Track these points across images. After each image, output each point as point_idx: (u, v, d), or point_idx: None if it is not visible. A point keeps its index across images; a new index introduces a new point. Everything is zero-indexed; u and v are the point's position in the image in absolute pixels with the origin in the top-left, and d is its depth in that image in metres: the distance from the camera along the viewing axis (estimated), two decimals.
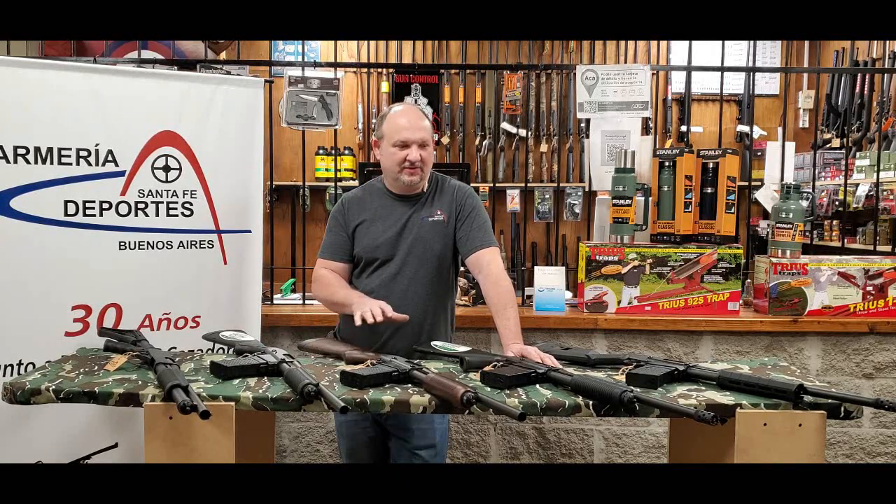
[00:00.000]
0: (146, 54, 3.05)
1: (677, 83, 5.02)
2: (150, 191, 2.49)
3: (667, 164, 2.85)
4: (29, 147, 2.29)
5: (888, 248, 3.44)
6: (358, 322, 1.99)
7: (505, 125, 4.93)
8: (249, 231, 2.68)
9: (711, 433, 1.68)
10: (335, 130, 2.95)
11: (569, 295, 2.97)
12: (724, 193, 2.79)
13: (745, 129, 4.96)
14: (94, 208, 2.39)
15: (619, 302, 2.79)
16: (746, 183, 3.31)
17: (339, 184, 3.45)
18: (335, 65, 3.11)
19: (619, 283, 2.79)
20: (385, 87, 4.99)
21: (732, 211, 2.81)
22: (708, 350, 2.81)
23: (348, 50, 5.07)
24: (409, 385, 1.77)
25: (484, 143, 4.98)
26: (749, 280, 3.01)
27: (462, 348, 2.06)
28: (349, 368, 1.82)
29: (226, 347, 2.21)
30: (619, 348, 2.78)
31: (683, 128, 4.70)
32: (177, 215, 2.53)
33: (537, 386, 1.78)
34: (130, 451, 2.43)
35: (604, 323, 2.77)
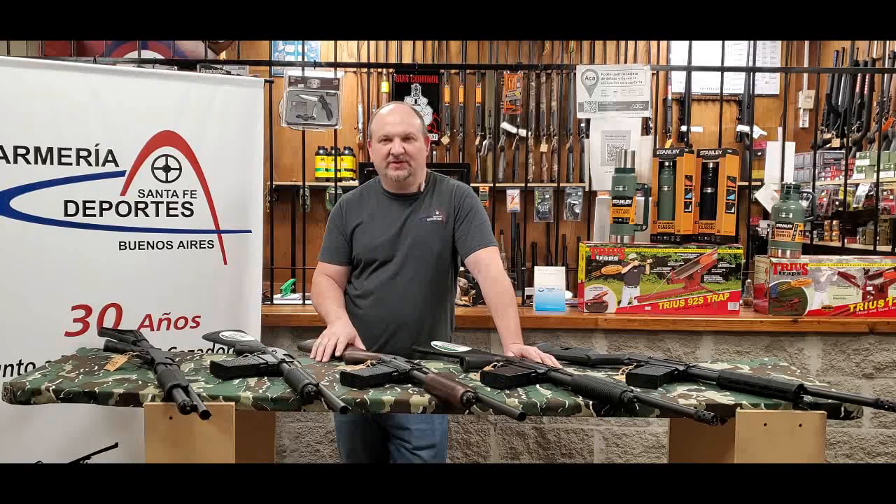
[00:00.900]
0: (146, 54, 3.05)
1: (677, 83, 5.02)
2: (150, 191, 2.49)
3: (667, 164, 2.85)
4: (29, 147, 2.29)
5: (888, 248, 3.44)
6: (311, 356, 2.05)
7: (505, 125, 4.93)
8: (249, 231, 2.68)
9: (711, 433, 1.68)
10: (335, 130, 2.95)
11: (569, 295, 2.97)
12: (724, 193, 2.79)
13: (745, 129, 4.96)
14: (94, 208, 2.39)
15: (619, 302, 2.79)
16: (746, 183, 3.31)
17: (339, 184, 3.45)
18: (335, 65, 3.11)
19: (619, 283, 2.79)
20: (385, 87, 4.99)
21: (732, 211, 2.81)
22: (708, 350, 2.81)
23: (348, 50, 5.07)
24: (409, 385, 1.77)
25: (484, 143, 4.98)
26: (749, 280, 3.01)
27: (462, 348, 2.06)
28: (349, 369, 1.82)
29: (226, 347, 2.21)
30: (619, 348, 2.78)
31: (683, 128, 4.69)
32: (177, 215, 2.53)
33: (537, 386, 1.78)
34: (130, 451, 2.43)
35: (604, 323, 2.77)
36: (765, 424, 1.62)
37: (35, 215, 2.30)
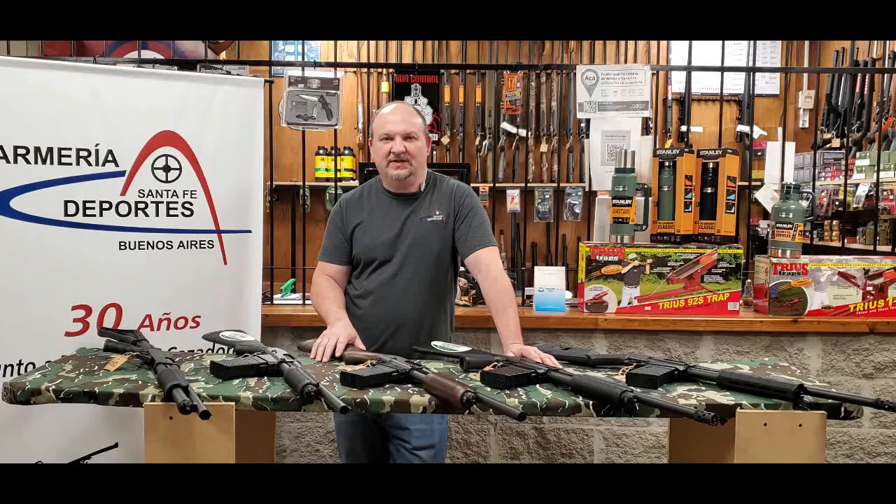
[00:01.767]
0: (146, 54, 3.05)
1: (677, 83, 5.02)
2: (150, 191, 2.49)
3: (667, 164, 2.85)
4: (29, 147, 2.29)
5: (888, 248, 3.44)
6: (311, 356, 2.05)
7: (505, 125, 4.93)
8: (249, 231, 2.68)
9: (711, 433, 1.68)
10: (335, 130, 2.95)
11: (569, 295, 2.97)
12: (724, 193, 2.79)
13: (745, 129, 4.96)
14: (94, 208, 2.39)
15: (619, 302, 2.79)
16: (746, 183, 3.31)
17: (339, 184, 3.45)
18: (335, 65, 3.11)
19: (619, 283, 2.79)
20: (385, 87, 4.99)
21: (732, 211, 2.81)
22: (708, 350, 2.81)
23: (348, 50, 5.07)
24: (409, 385, 1.77)
25: (484, 143, 4.98)
26: (749, 280, 3.01)
27: (462, 348, 2.06)
28: (349, 369, 1.82)
29: (226, 347, 2.21)
30: (619, 348, 2.78)
31: (683, 128, 4.69)
32: (177, 215, 2.53)
33: (537, 386, 1.78)
34: (130, 451, 2.43)
35: (604, 323, 2.77)
36: (765, 424, 1.62)
37: (35, 215, 2.30)
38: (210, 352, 2.43)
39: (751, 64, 4.02)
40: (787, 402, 1.64)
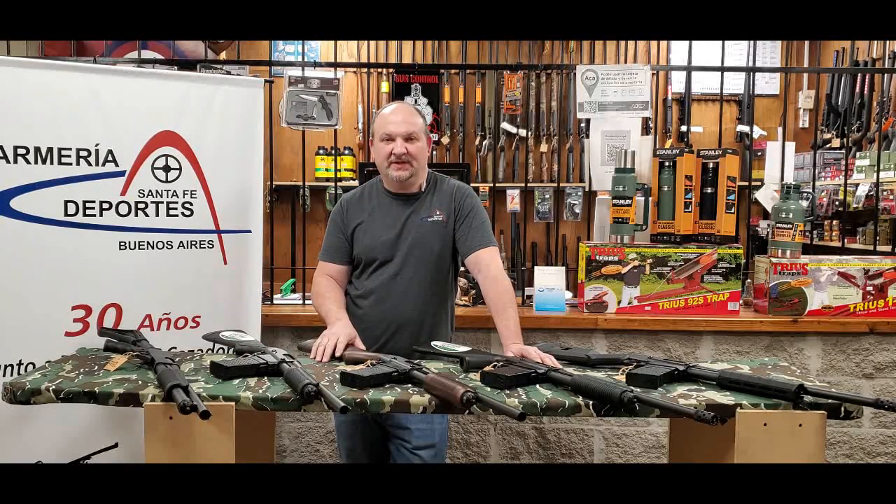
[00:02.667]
0: (146, 54, 3.05)
1: (677, 83, 5.02)
2: (150, 191, 2.49)
3: (667, 164, 2.85)
4: (29, 147, 2.29)
5: (888, 248, 3.44)
6: (311, 356, 2.05)
7: (505, 125, 4.93)
8: (249, 231, 2.68)
9: (711, 433, 1.68)
10: (335, 130, 2.95)
11: (569, 295, 2.97)
12: (724, 193, 2.79)
13: (745, 129, 4.96)
14: (94, 208, 2.39)
15: (619, 302, 2.79)
16: (746, 183, 3.31)
17: (339, 184, 3.45)
18: (335, 65, 3.11)
19: (619, 283, 2.79)
20: (385, 87, 5.00)
21: (732, 211, 2.81)
22: (708, 350, 2.81)
23: (348, 50, 5.07)
24: (409, 385, 1.77)
25: (484, 143, 4.98)
26: (749, 280, 3.01)
27: (462, 348, 2.06)
28: (349, 369, 1.82)
29: (226, 347, 2.21)
30: (619, 348, 2.78)
31: (683, 128, 4.70)
32: (177, 215, 2.53)
33: (537, 386, 1.78)
34: (130, 451, 2.43)
35: (604, 323, 2.77)
36: (765, 424, 1.62)
37: (35, 215, 2.30)
38: (210, 352, 2.43)
39: (751, 64, 4.02)
40: (787, 402, 1.64)
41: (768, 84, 5.23)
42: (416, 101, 4.76)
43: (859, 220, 4.23)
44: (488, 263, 2.19)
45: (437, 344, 2.11)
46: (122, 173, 2.43)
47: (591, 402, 1.66)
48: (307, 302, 2.94)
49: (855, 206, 3.94)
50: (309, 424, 2.88)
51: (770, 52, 5.28)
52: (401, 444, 2.22)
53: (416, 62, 4.97)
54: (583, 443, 2.85)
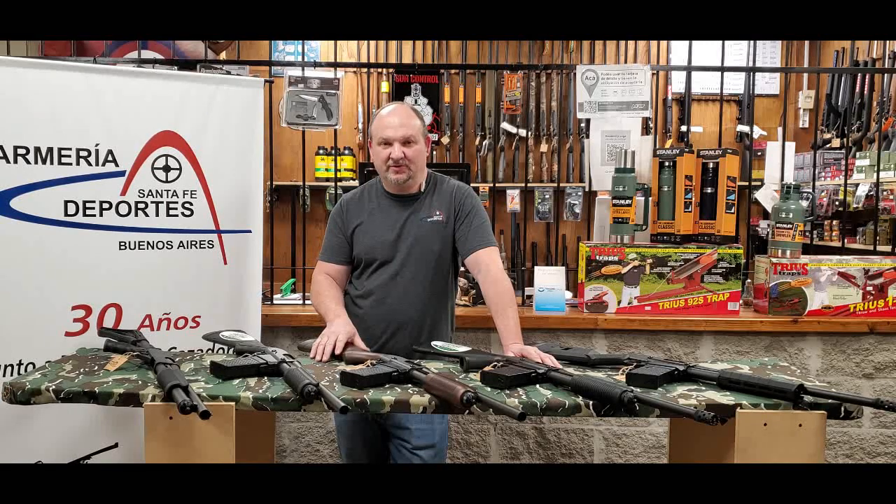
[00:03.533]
0: (146, 54, 3.05)
1: (677, 83, 5.02)
2: (150, 191, 2.49)
3: (667, 164, 2.85)
4: (29, 147, 2.29)
5: (888, 248, 3.44)
6: (311, 355, 2.05)
7: (505, 125, 4.93)
8: (249, 231, 2.68)
9: (711, 433, 1.68)
10: (335, 130, 2.95)
11: (569, 295, 2.97)
12: (724, 193, 2.79)
13: (745, 129, 4.96)
14: (94, 208, 2.39)
15: (619, 302, 2.79)
16: (746, 183, 3.31)
17: (339, 184, 3.45)
18: (335, 65, 3.11)
19: (619, 283, 2.79)
20: (385, 87, 5.00)
21: (732, 211, 2.81)
22: (708, 350, 2.81)
23: (348, 50, 5.07)
24: (409, 385, 1.77)
25: (484, 143, 4.98)
26: (749, 280, 3.01)
27: (462, 348, 2.06)
28: (349, 369, 1.82)
29: (226, 347, 2.21)
30: (619, 348, 2.78)
31: (683, 128, 4.70)
32: (177, 215, 2.53)
33: (537, 386, 1.78)
34: (130, 451, 2.43)
35: (604, 323, 2.77)
36: (765, 424, 1.62)
37: (35, 215, 2.30)
38: (210, 352, 2.43)
39: (751, 64, 4.02)
40: (787, 402, 1.64)
41: (768, 84, 5.23)
42: (416, 101, 4.76)
43: (859, 220, 4.23)
44: (488, 263, 2.19)
45: (437, 344, 2.11)
46: (122, 173, 2.43)
47: (591, 402, 1.66)
48: (307, 302, 2.94)
49: (855, 206, 3.94)
50: (309, 424, 2.88)
51: (770, 52, 5.28)
52: (401, 444, 2.22)
53: (416, 62, 4.97)
54: (583, 443, 2.85)
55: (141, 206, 2.47)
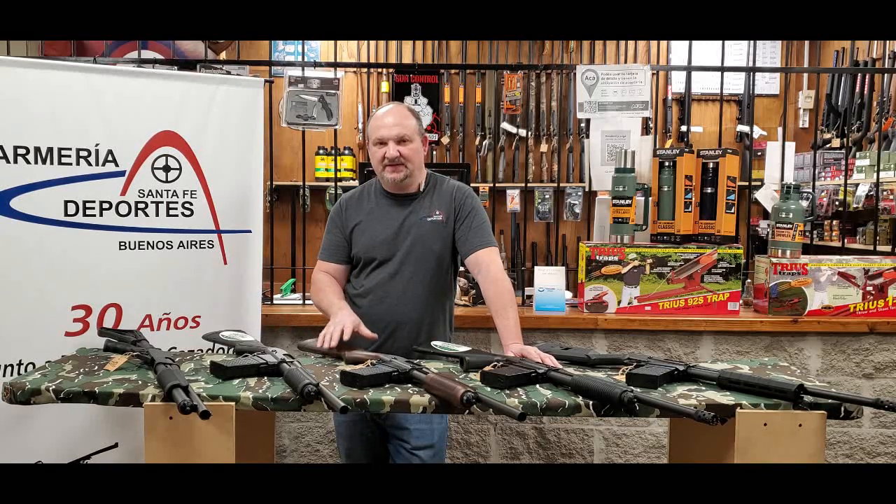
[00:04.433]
0: (146, 54, 3.05)
1: (677, 83, 5.02)
2: (150, 191, 2.49)
3: (667, 164, 2.85)
4: (29, 147, 2.29)
5: (888, 248, 3.44)
6: (317, 343, 2.05)
7: (505, 125, 4.93)
8: (249, 231, 2.68)
9: (711, 433, 1.68)
10: (335, 130, 2.95)
11: (569, 295, 2.97)
12: (724, 193, 2.79)
13: (745, 129, 4.96)
14: (94, 208, 2.39)
15: (619, 302, 2.79)
16: (746, 183, 3.31)
17: (339, 184, 3.45)
18: (335, 65, 3.11)
19: (619, 283, 2.79)
20: (385, 87, 5.00)
21: (732, 211, 2.81)
22: (708, 350, 2.81)
23: (348, 50, 5.07)
24: (409, 385, 1.77)
25: (484, 143, 4.98)
26: (749, 280, 3.01)
27: (462, 348, 2.06)
28: (349, 368, 1.82)
29: (226, 347, 2.21)
30: (619, 348, 2.78)
31: (683, 128, 4.70)
32: (177, 215, 2.53)
33: (537, 386, 1.78)
34: (130, 451, 2.43)
35: (604, 323, 2.77)
36: (765, 424, 1.62)
37: (35, 215, 2.30)
38: (210, 352, 2.43)
39: (751, 64, 4.02)
40: (787, 402, 1.64)
41: (768, 84, 5.23)
42: (416, 101, 4.76)
43: (859, 220, 4.23)
44: (488, 264, 2.19)
45: (437, 344, 2.11)
46: (122, 173, 2.43)
47: (591, 402, 1.66)
48: (307, 302, 2.94)
49: (855, 206, 3.94)
50: (309, 424, 2.88)
51: (770, 52, 5.28)
52: (400, 444, 2.22)
53: (416, 62, 4.97)
54: (583, 443, 2.85)
55: (141, 206, 2.47)
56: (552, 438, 2.85)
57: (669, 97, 5.04)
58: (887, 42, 4.32)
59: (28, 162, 2.29)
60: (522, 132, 4.93)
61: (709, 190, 2.81)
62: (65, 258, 2.35)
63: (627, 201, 2.78)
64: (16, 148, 2.27)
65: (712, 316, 2.78)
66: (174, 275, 2.52)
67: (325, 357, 2.09)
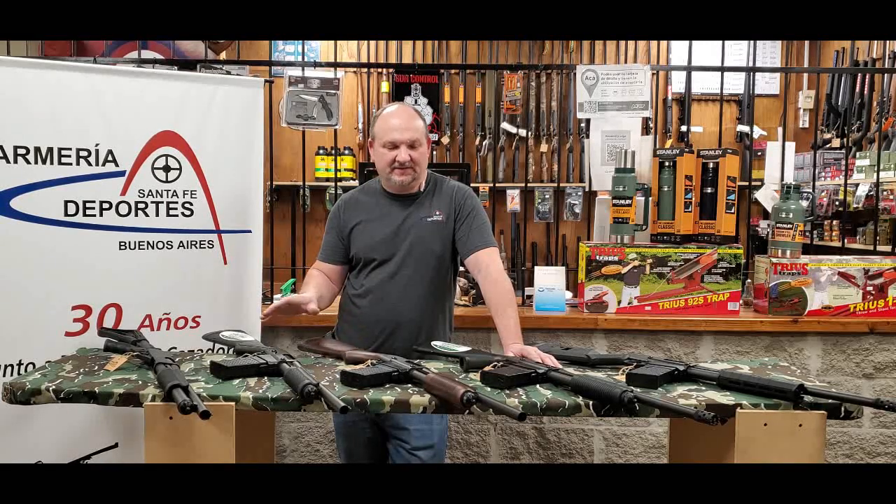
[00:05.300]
0: (146, 54, 3.05)
1: (677, 83, 5.02)
2: (150, 191, 2.49)
3: (667, 164, 2.85)
4: (29, 147, 2.29)
5: (888, 248, 3.44)
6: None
7: (505, 125, 4.93)
8: (249, 231, 2.68)
9: (711, 433, 1.68)
10: (335, 130, 2.95)
11: (569, 295, 2.97)
12: (724, 193, 2.79)
13: (745, 129, 4.96)
14: (94, 208, 2.39)
15: (619, 302, 2.79)
16: (746, 183, 3.31)
17: (339, 184, 3.45)
18: (335, 65, 3.11)
19: (619, 283, 2.79)
20: (385, 87, 5.00)
21: (732, 211, 2.81)
22: (708, 350, 2.81)
23: (348, 50, 5.07)
24: (409, 385, 1.77)
25: (484, 143, 4.98)
26: (749, 280, 3.01)
27: (462, 348, 2.06)
28: (349, 368, 1.82)
29: (226, 347, 2.21)
30: (619, 348, 2.78)
31: (683, 128, 4.70)
32: (177, 215, 2.53)
33: (537, 386, 1.78)
34: (130, 451, 2.43)
35: (604, 323, 2.77)
36: (765, 424, 1.62)
37: (35, 215, 2.30)
38: (210, 352, 2.43)
39: (751, 64, 4.02)
40: (787, 402, 1.64)
41: (768, 84, 5.23)
42: (416, 101, 4.76)
43: (859, 220, 4.23)
44: (488, 264, 2.19)
45: (437, 344, 2.11)
46: (122, 173, 2.43)
47: (591, 402, 1.66)
48: None
49: (855, 206, 3.94)
50: (309, 424, 2.88)
51: (770, 52, 5.28)
52: (399, 444, 2.22)
53: (416, 62, 4.97)
54: (583, 443, 2.85)
55: (141, 206, 2.47)
56: (552, 438, 2.85)
57: (669, 97, 5.04)
58: (887, 42, 4.32)
59: (28, 162, 2.29)
60: (522, 132, 4.93)
61: (709, 190, 2.81)
62: (65, 258, 2.35)
63: (627, 201, 2.78)
64: (16, 148, 2.27)
65: (712, 316, 2.77)
66: (174, 275, 2.52)
67: (325, 357, 2.10)
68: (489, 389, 1.74)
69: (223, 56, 3.60)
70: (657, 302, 2.78)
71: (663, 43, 5.03)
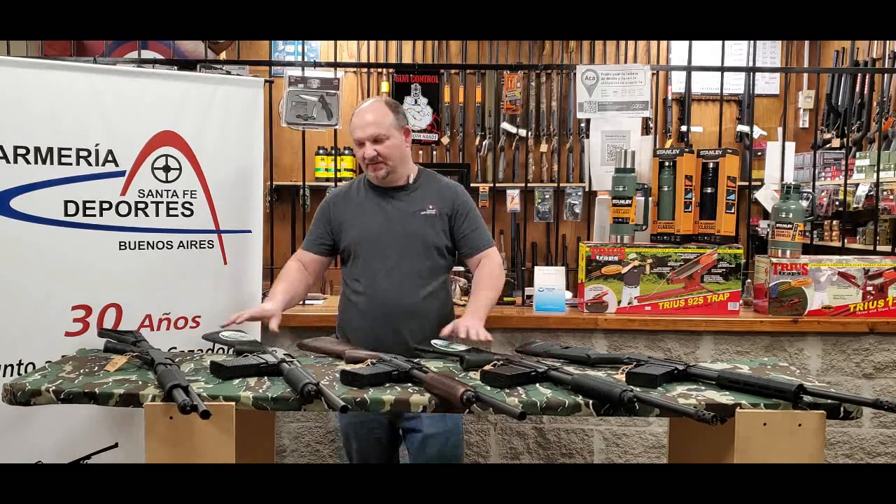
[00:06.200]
0: (146, 54, 3.05)
1: (677, 83, 5.02)
2: (150, 191, 2.49)
3: (667, 164, 2.85)
4: (29, 147, 2.29)
5: (888, 248, 3.43)
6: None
7: (505, 125, 4.93)
8: (249, 231, 2.68)
9: (711, 433, 1.68)
10: (335, 130, 2.95)
11: (569, 295, 2.97)
12: (724, 193, 2.79)
13: (745, 129, 4.96)
14: (94, 208, 2.39)
15: (619, 302, 2.79)
16: (746, 183, 3.31)
17: (339, 184, 3.44)
18: (335, 65, 3.11)
19: (619, 283, 2.79)
20: (385, 87, 4.99)
21: (732, 211, 2.81)
22: (708, 350, 2.81)
23: (348, 50, 5.07)
24: (409, 384, 1.77)
25: (484, 143, 4.98)
26: (749, 280, 3.01)
27: (462, 347, 2.06)
28: (349, 368, 1.82)
29: (226, 347, 2.21)
30: (619, 348, 2.78)
31: (683, 128, 4.69)
32: (177, 215, 2.53)
33: (537, 385, 1.78)
34: (130, 451, 2.43)
35: (604, 323, 2.77)
36: (764, 424, 1.62)
37: (35, 215, 2.30)
38: (210, 352, 2.43)
39: (751, 64, 4.01)
40: (786, 402, 1.64)
41: (768, 84, 5.23)
42: (416, 101, 4.75)
43: (859, 220, 4.23)
44: (490, 264, 2.28)
45: (436, 343, 2.11)
46: (122, 173, 2.43)
47: (590, 402, 1.66)
48: (307, 302, 2.94)
49: (855, 206, 3.94)
50: (309, 424, 2.88)
51: (770, 52, 5.28)
52: (413, 434, 2.22)
53: (416, 62, 4.96)
54: (583, 443, 2.85)
55: (141, 206, 2.47)
56: (552, 438, 2.85)
57: (669, 97, 5.04)
58: (887, 42, 4.32)
59: (28, 162, 2.29)
60: (522, 132, 4.92)
61: (709, 190, 2.81)
62: (65, 258, 2.35)
63: (627, 201, 2.78)
64: (16, 148, 2.27)
65: (712, 316, 2.77)
66: (174, 275, 2.52)
67: (325, 357, 2.10)
68: (489, 388, 1.74)
69: (223, 56, 3.60)
70: (657, 302, 2.78)
71: (663, 43, 5.03)
